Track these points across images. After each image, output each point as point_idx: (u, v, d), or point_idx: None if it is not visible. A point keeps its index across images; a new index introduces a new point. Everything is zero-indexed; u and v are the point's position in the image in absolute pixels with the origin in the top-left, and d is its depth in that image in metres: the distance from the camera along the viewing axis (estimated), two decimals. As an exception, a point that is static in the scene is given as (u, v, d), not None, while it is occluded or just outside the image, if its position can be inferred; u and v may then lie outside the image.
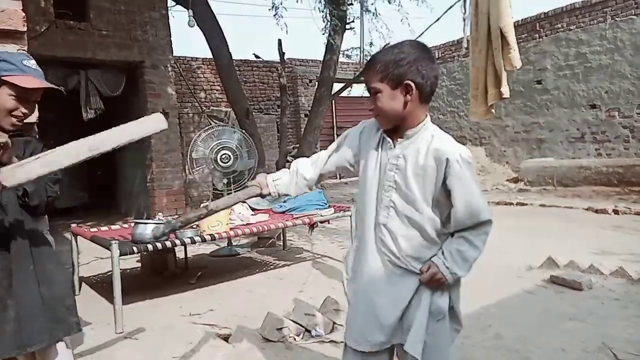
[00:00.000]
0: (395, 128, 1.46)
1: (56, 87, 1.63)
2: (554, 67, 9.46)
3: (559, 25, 9.36)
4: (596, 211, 6.24)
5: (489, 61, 3.31)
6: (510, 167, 10.20)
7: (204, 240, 3.63)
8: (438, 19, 6.15)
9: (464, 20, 5.64)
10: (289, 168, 1.72)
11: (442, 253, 1.44)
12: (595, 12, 8.74)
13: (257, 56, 10.84)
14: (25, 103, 1.55)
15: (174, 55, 7.48)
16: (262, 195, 1.67)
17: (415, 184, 1.42)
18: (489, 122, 10.51)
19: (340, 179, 11.52)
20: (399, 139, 1.46)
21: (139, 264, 4.45)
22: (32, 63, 1.58)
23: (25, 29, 2.04)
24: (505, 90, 3.31)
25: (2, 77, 1.49)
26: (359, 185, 1.58)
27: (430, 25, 6.53)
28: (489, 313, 3.00)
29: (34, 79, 1.54)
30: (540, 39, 9.67)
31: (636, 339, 2.55)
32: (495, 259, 4.26)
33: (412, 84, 1.36)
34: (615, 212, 6.07)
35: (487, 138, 10.93)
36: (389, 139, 1.48)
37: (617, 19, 8.42)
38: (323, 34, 6.85)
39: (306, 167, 1.68)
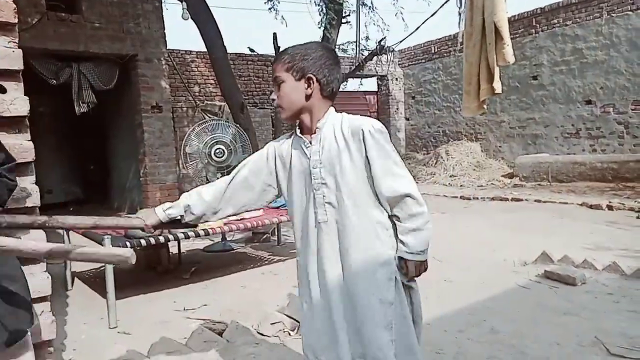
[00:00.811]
0: (305, 125, 1.51)
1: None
2: (549, 62, 9.46)
3: (555, 21, 9.35)
4: (590, 207, 6.26)
5: (482, 56, 3.29)
6: (505, 162, 10.22)
7: (197, 236, 3.60)
8: (434, 13, 6.13)
9: (460, 14, 5.62)
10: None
11: (400, 244, 1.48)
12: (592, 7, 8.74)
13: (252, 50, 10.76)
14: None
15: (167, 48, 7.41)
16: (144, 228, 1.58)
17: (343, 169, 1.45)
18: (484, 117, 10.51)
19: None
20: (312, 135, 1.50)
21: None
22: None
23: (16, 20, 1.99)
24: (497, 85, 3.29)
25: None
26: (288, 201, 1.60)
27: (426, 20, 6.51)
28: (483, 308, 3.00)
29: None
30: (537, 34, 9.67)
31: (629, 332, 2.56)
32: (489, 254, 4.27)
33: (314, 77, 1.45)
34: (609, 207, 6.09)
35: (483, 133, 10.94)
36: (303, 138, 1.52)
37: (613, 14, 8.42)
38: (319, 27, 6.81)
39: (206, 189, 1.61)
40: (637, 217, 5.55)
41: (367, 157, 1.44)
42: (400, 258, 1.49)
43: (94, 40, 6.48)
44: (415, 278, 1.54)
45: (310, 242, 1.53)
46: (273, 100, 1.53)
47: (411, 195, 1.45)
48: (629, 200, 6.33)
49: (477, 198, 7.65)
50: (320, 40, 1.36)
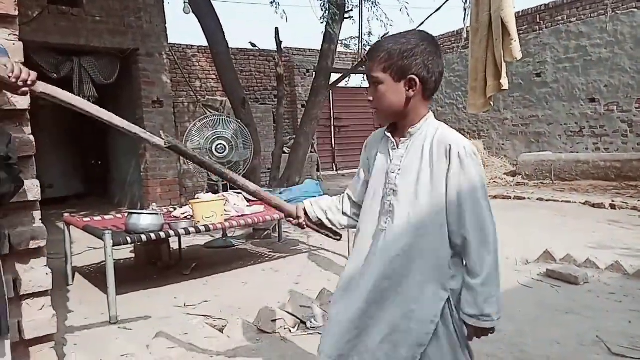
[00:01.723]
0: (397, 127, 1.37)
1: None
2: (553, 59, 9.41)
3: (560, 17, 9.29)
4: (593, 205, 6.23)
5: (488, 52, 3.26)
6: (508, 160, 10.18)
7: (198, 232, 3.60)
8: (439, 8, 6.07)
9: (465, 10, 5.58)
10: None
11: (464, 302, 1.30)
12: (596, 4, 8.68)
13: (253, 45, 10.71)
14: None
15: (168, 42, 7.38)
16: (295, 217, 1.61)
17: (419, 184, 1.30)
18: (487, 115, 10.46)
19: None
20: (401, 138, 1.36)
21: (133, 255, 4.41)
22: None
23: (16, 13, 1.98)
24: (504, 82, 3.27)
25: None
26: (364, 200, 1.47)
27: (430, 15, 6.44)
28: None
29: None
30: (541, 31, 9.61)
31: (630, 332, 2.55)
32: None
33: (417, 79, 1.27)
34: (612, 206, 6.06)
35: (486, 131, 10.89)
36: (392, 139, 1.38)
37: (617, 11, 8.36)
38: (321, 22, 6.76)
39: (345, 200, 1.58)
40: (640, 216, 5.53)
41: (447, 178, 1.27)
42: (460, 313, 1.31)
43: (95, 34, 6.46)
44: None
45: (364, 246, 1.40)
46: (369, 101, 1.36)
47: (487, 250, 1.25)
48: (632, 199, 6.30)
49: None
50: (418, 30, 1.24)
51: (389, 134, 1.39)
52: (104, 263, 3.09)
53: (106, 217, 4.13)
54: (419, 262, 1.30)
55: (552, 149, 9.43)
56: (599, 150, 8.77)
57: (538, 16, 9.64)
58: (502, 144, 10.54)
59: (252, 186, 1.65)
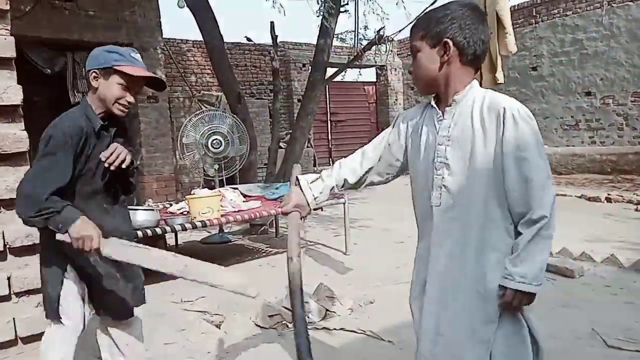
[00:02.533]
0: (441, 96, 1.33)
1: (158, 77, 1.78)
2: (549, 53, 9.40)
3: (556, 11, 9.28)
4: (589, 199, 6.26)
5: (484, 46, 3.25)
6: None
7: (194, 227, 3.59)
8: (434, 1, 6.04)
9: (460, 4, 5.55)
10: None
11: (508, 264, 1.23)
12: (592, -3, 8.68)
13: (248, 39, 10.66)
14: (129, 92, 1.69)
15: (163, 37, 7.32)
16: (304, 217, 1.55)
17: (473, 153, 1.24)
18: (482, 108, 10.47)
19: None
20: (446, 108, 1.31)
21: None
22: (138, 56, 1.73)
23: (7, 7, 1.95)
24: (500, 75, 3.26)
25: (114, 67, 1.64)
26: (410, 176, 1.43)
27: (426, 9, 6.42)
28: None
29: (140, 69, 1.69)
30: (537, 25, 9.60)
31: (626, 324, 2.56)
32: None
33: (450, 42, 1.25)
34: (608, 200, 6.09)
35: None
36: (437, 110, 1.33)
37: (613, 4, 8.35)
38: (318, 16, 6.72)
39: (348, 168, 1.52)
40: (636, 210, 5.55)
41: (502, 144, 1.21)
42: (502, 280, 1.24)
43: (88, 29, 6.39)
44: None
45: (426, 226, 1.37)
46: (410, 72, 1.36)
47: (544, 216, 1.20)
48: (627, 193, 6.33)
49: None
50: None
51: (434, 104, 1.35)
52: (99, 259, 3.06)
53: (102, 213, 4.10)
54: (483, 235, 1.25)
55: (548, 143, 9.44)
56: (594, 144, 8.80)
57: (534, 9, 9.62)
58: (498, 138, 10.57)
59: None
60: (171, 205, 4.27)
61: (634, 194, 6.19)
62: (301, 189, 1.48)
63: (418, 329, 1.42)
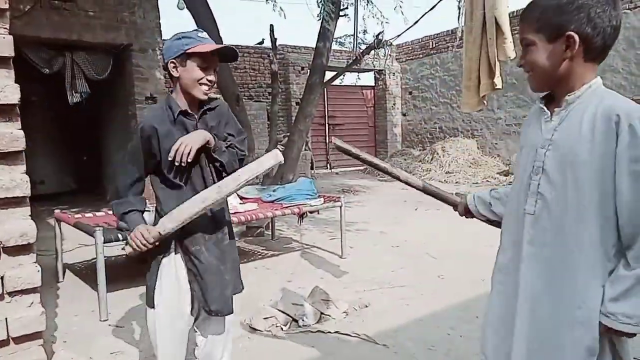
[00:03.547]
0: (554, 95, 1.18)
1: (229, 47, 1.76)
2: (546, 60, 9.45)
3: (553, 18, 9.33)
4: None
5: (482, 51, 3.26)
6: (501, 160, 10.22)
7: (191, 228, 3.57)
8: (433, 7, 6.08)
9: (459, 9, 5.58)
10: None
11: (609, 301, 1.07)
12: (589, 5, 8.73)
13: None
14: (208, 71, 1.70)
15: (162, 38, 7.33)
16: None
17: (576, 163, 1.08)
18: (481, 114, 10.51)
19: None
20: (556, 109, 1.16)
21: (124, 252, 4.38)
22: (204, 34, 1.73)
23: (6, 5, 1.95)
24: (498, 81, 3.27)
25: (187, 51, 1.64)
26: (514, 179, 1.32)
27: (424, 14, 6.45)
28: (477, 304, 2.99)
29: (210, 44, 1.69)
30: (534, 32, 9.65)
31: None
32: (484, 250, 4.26)
33: (576, 36, 1.06)
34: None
35: (479, 130, 10.93)
36: (545, 109, 1.18)
37: (610, 12, 8.42)
38: (317, 20, 6.75)
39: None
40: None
41: (615, 158, 1.04)
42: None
43: (87, 29, 6.39)
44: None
45: (513, 234, 1.23)
46: (519, 66, 1.19)
47: None
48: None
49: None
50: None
51: (542, 105, 1.20)
52: (95, 260, 3.06)
53: (98, 213, 4.09)
54: (579, 256, 1.10)
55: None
56: (591, 151, 8.84)
57: (532, 16, 9.67)
58: (496, 144, 10.58)
59: (419, 182, 1.61)
60: (167, 206, 4.25)
61: None
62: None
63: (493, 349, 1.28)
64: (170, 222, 1.62)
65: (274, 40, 8.96)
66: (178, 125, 1.69)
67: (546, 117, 1.17)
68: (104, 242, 3.03)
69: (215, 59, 1.71)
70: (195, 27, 1.81)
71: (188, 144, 1.62)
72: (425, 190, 1.58)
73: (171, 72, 1.69)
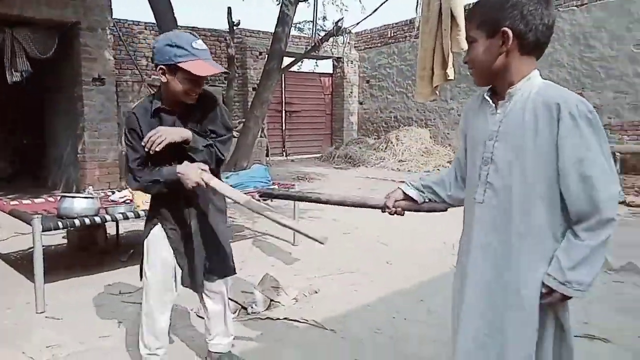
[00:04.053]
0: (497, 89, 1.25)
1: (225, 71, 2.01)
2: (498, 52, 9.73)
3: (505, 12, 9.60)
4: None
5: (437, 42, 3.31)
6: (452, 149, 10.50)
7: (138, 217, 3.45)
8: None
9: (416, -1, 5.62)
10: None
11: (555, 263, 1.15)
12: (539, 1, 9.04)
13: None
14: (197, 85, 1.76)
15: (113, 17, 6.99)
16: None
17: (522, 151, 1.16)
18: (434, 104, 10.72)
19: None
20: (499, 102, 1.23)
21: (66, 241, 4.19)
22: (200, 44, 1.74)
23: None
24: (450, 72, 3.33)
25: (178, 64, 1.68)
26: (467, 173, 1.37)
27: (383, 3, 6.47)
28: (422, 289, 3.08)
29: (205, 65, 1.73)
30: (487, 25, 9.89)
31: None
32: (432, 237, 4.39)
33: (510, 32, 1.15)
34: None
35: (433, 120, 11.17)
36: (490, 102, 1.25)
37: (559, 8, 8.74)
38: (277, 4, 6.63)
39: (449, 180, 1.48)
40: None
41: (557, 144, 1.12)
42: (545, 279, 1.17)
43: (30, 4, 5.98)
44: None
45: (468, 221, 1.32)
46: (465, 62, 1.26)
47: (611, 219, 1.11)
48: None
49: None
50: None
51: (487, 97, 1.26)
52: (31, 250, 2.90)
53: (37, 200, 3.89)
54: (526, 240, 1.17)
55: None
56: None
57: (486, 9, 9.91)
58: (448, 133, 10.86)
59: (337, 197, 1.67)
60: (113, 193, 4.09)
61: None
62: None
63: (455, 321, 1.36)
64: (217, 185, 1.79)
65: (231, 23, 8.74)
66: (157, 119, 1.80)
67: (491, 110, 1.24)
68: (43, 231, 2.87)
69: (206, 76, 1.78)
70: (193, 33, 1.80)
71: (162, 134, 1.69)
72: (346, 203, 1.64)
73: (159, 75, 1.74)
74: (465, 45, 3.33)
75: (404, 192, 1.50)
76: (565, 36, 8.67)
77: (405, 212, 1.51)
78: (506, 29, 1.15)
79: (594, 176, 1.10)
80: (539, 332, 1.18)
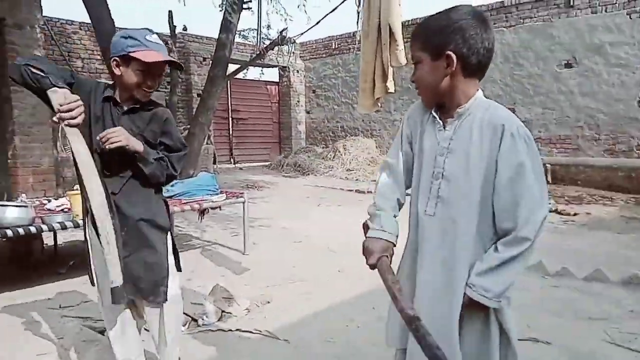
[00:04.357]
0: (443, 106, 1.30)
1: (176, 61, 1.83)
2: (437, 67, 10.22)
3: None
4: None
5: (377, 56, 3.42)
6: (396, 158, 10.85)
7: (77, 226, 3.27)
8: (334, 9, 6.25)
9: (358, 13, 5.79)
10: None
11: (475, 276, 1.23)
12: (474, 20, 9.62)
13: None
14: (150, 77, 1.73)
15: (43, 15, 6.58)
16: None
17: (469, 167, 1.23)
18: (379, 115, 11.04)
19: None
20: (448, 119, 1.29)
21: (-4, 252, 3.88)
22: (154, 37, 1.73)
23: None
24: (390, 85, 3.45)
25: (130, 54, 1.66)
26: (413, 187, 1.39)
27: (326, 15, 6.59)
28: (373, 296, 3.14)
29: (155, 53, 1.70)
30: (427, 40, 10.37)
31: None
32: (380, 245, 4.50)
33: (453, 55, 1.20)
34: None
35: (378, 130, 11.49)
36: (438, 120, 1.30)
37: (491, 29, 9.36)
38: (220, 10, 6.56)
39: (388, 194, 1.41)
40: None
41: (496, 161, 1.20)
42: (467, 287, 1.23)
43: (-52, -3, 5.52)
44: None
45: (412, 233, 1.35)
46: (412, 81, 1.29)
47: (527, 239, 1.17)
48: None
49: (371, 192, 8.01)
50: (466, 4, 1.14)
51: (435, 115, 1.31)
52: (-44, 263, 2.67)
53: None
54: (468, 252, 1.24)
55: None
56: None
57: (426, 26, 10.39)
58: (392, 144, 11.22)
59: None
60: (50, 201, 3.84)
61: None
62: (376, 236, 1.35)
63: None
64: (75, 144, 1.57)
65: (172, 27, 8.53)
66: (105, 107, 1.75)
67: (439, 127, 1.30)
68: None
69: (160, 65, 1.74)
70: (149, 29, 1.79)
71: (120, 137, 1.65)
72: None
73: (113, 68, 1.72)
74: (403, 60, 3.50)
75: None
76: (497, 54, 9.28)
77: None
78: (450, 52, 1.20)
79: (522, 197, 1.17)
80: (484, 335, 1.26)
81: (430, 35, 1.24)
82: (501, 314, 1.26)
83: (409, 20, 10.28)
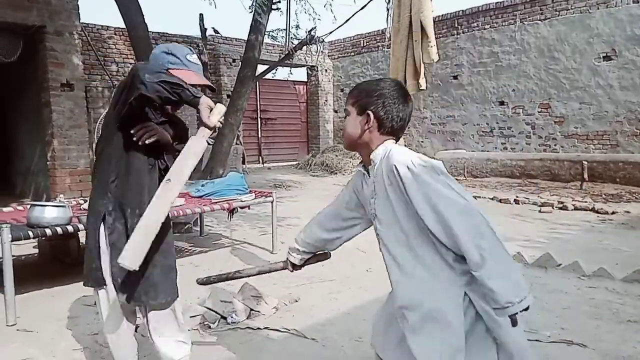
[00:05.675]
0: (363, 157, 1.48)
1: (212, 86, 1.84)
2: (469, 63, 10.02)
3: (475, 24, 9.91)
4: (500, 201, 6.75)
5: (408, 53, 3.39)
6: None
7: (112, 225, 3.37)
8: (363, 7, 6.22)
9: (388, 10, 5.75)
10: None
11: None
12: (507, 14, 9.37)
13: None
14: None
15: (81, 21, 6.83)
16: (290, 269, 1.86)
17: (391, 203, 1.36)
18: (408, 112, 10.91)
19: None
20: (369, 166, 1.46)
21: (36, 251, 4.05)
22: (194, 58, 1.78)
23: None
24: (422, 82, 3.42)
25: (169, 70, 1.66)
26: None
27: (355, 13, 6.58)
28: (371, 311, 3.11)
29: (195, 75, 1.72)
30: (458, 36, 10.19)
31: (528, 319, 2.78)
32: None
33: (372, 115, 1.40)
34: (516, 201, 6.61)
35: (407, 128, 11.32)
36: (362, 170, 1.50)
37: (525, 22, 9.09)
38: (250, 12, 6.64)
39: (321, 223, 1.74)
40: (539, 211, 6.08)
41: (408, 197, 1.30)
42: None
43: (-7, 6, 5.79)
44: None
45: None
46: (340, 129, 1.47)
47: (478, 264, 1.20)
48: (532, 195, 6.91)
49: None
50: (395, 80, 1.31)
51: (362, 169, 1.51)
52: (1, 260, 2.80)
53: (5, 209, 3.74)
54: (429, 280, 1.31)
55: (465, 147, 10.07)
56: (506, 150, 9.52)
57: (456, 21, 10.21)
58: (422, 142, 11.07)
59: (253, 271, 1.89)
60: (86, 201, 3.98)
61: (539, 196, 6.78)
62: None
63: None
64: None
65: (203, 30, 8.69)
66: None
67: (366, 178, 1.48)
68: (12, 240, 2.78)
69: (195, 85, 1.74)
70: (190, 48, 1.86)
71: (154, 133, 1.69)
72: (261, 273, 1.90)
73: None
74: (435, 56, 3.45)
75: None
76: (531, 48, 9.01)
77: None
78: (370, 112, 1.40)
79: (445, 213, 1.23)
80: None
81: (359, 95, 1.44)
82: (496, 324, 1.29)
83: (440, 16, 10.12)
